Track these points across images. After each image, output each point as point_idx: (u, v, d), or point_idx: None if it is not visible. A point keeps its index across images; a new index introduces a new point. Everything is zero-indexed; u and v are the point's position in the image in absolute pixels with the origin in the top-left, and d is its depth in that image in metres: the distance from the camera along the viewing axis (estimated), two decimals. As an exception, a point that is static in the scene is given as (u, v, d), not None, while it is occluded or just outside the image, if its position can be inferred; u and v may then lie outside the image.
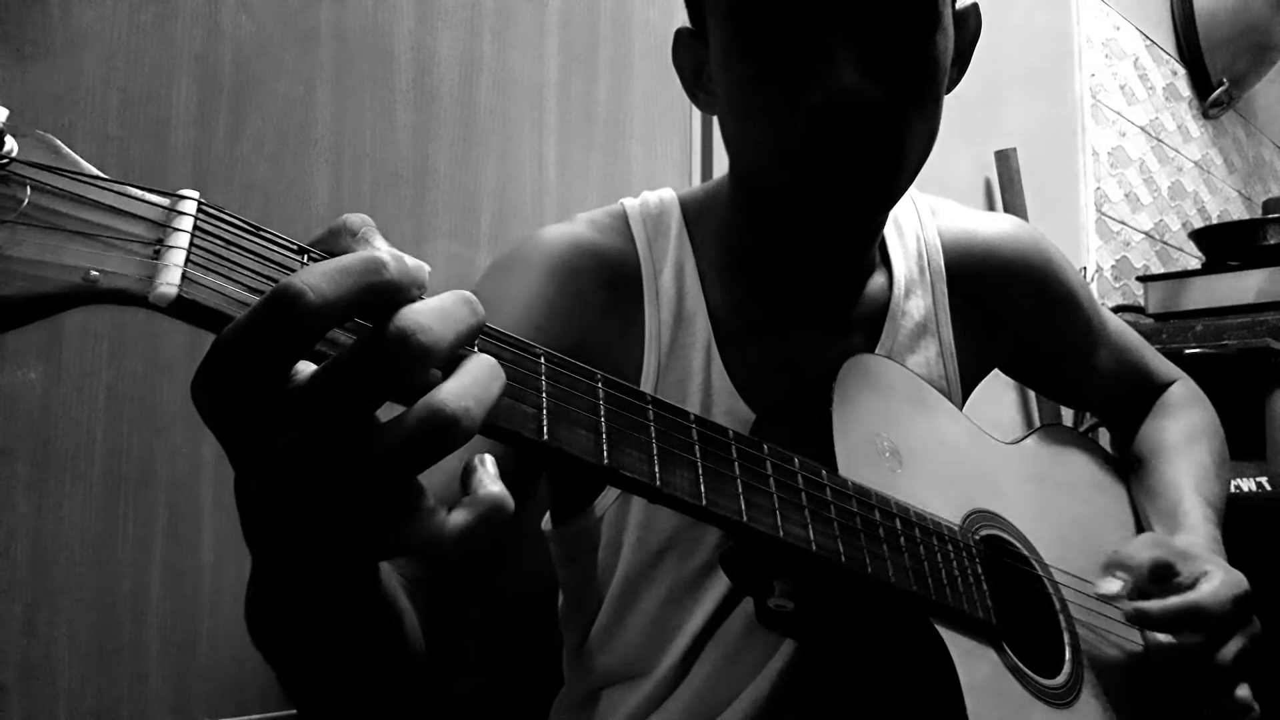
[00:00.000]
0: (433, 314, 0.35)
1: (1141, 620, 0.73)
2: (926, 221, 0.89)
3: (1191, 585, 0.74)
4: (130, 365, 0.88)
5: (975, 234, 0.90)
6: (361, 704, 0.52)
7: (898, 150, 0.68)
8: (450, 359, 0.36)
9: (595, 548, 0.78)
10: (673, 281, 0.78)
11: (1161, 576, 0.75)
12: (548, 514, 0.85)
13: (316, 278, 0.33)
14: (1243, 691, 0.76)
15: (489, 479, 0.39)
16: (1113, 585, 0.75)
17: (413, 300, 0.35)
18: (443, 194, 1.12)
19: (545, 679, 0.89)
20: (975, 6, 0.76)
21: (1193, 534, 0.83)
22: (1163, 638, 0.75)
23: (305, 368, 0.36)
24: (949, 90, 0.73)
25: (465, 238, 1.14)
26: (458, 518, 0.38)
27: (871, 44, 0.65)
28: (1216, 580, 0.74)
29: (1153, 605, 0.72)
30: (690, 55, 0.77)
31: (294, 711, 0.95)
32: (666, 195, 0.84)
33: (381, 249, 0.36)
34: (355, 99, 1.05)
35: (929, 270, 0.86)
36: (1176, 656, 0.73)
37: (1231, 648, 0.73)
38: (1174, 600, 0.72)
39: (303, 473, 0.35)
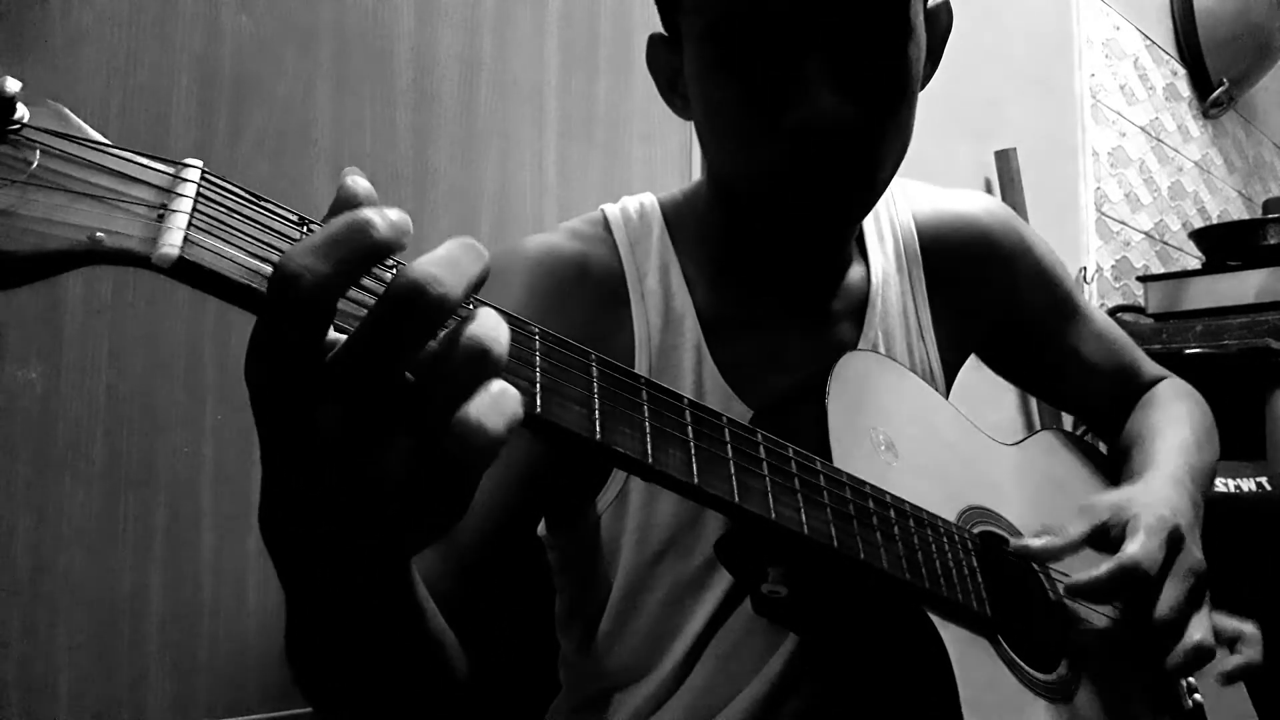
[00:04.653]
0: (442, 264, 0.36)
1: (1079, 594, 0.69)
2: (900, 205, 0.89)
3: (1120, 540, 0.70)
4: (130, 365, 0.88)
5: (946, 212, 0.90)
6: None
7: (873, 165, 0.69)
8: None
9: (593, 551, 0.78)
10: (659, 284, 0.78)
11: (1097, 540, 0.72)
12: (542, 520, 0.85)
13: (308, 257, 0.34)
14: (1197, 634, 0.71)
15: None
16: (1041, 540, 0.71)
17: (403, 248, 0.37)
18: (443, 194, 1.12)
19: (540, 685, 0.89)
20: (946, 3, 0.76)
21: (1137, 485, 0.79)
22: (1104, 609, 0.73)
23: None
24: (922, 87, 0.73)
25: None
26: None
27: (845, 63, 0.65)
28: (1140, 531, 0.70)
29: (1082, 580, 0.68)
30: (664, 61, 0.77)
31: (293, 712, 0.95)
32: (646, 200, 0.84)
33: (366, 210, 0.36)
34: (355, 99, 1.05)
35: (904, 256, 0.87)
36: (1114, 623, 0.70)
37: (1169, 595, 0.70)
38: (1102, 570, 0.68)
39: (360, 434, 0.36)
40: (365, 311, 0.37)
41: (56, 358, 0.84)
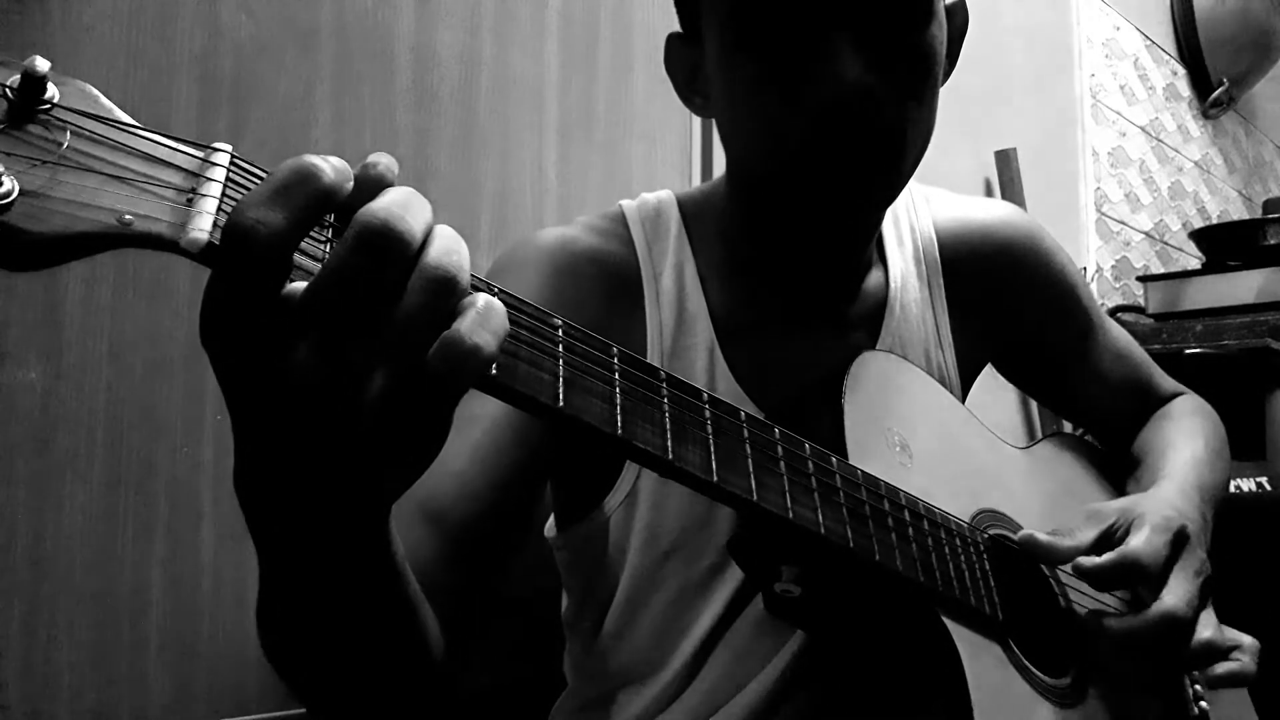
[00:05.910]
0: (399, 205, 0.37)
1: (1081, 576, 0.69)
2: (921, 211, 0.88)
3: (1124, 538, 0.71)
4: (130, 365, 0.88)
5: (970, 221, 0.90)
6: (379, 705, 0.52)
7: (900, 143, 0.69)
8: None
9: (601, 551, 0.78)
10: (673, 283, 0.78)
11: (1104, 545, 0.72)
12: (551, 519, 0.85)
13: (259, 209, 0.35)
14: (1206, 631, 0.71)
15: None
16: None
17: (367, 195, 0.37)
18: (443, 194, 1.12)
19: (545, 682, 0.89)
20: (962, 2, 0.76)
21: (1145, 492, 0.80)
22: (1110, 600, 0.73)
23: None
24: (942, 82, 0.73)
25: (465, 238, 1.13)
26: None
27: (871, 38, 0.65)
28: (1145, 527, 0.70)
29: (1086, 563, 0.68)
30: (683, 60, 0.77)
31: (294, 712, 0.95)
32: (664, 196, 0.83)
33: (309, 157, 0.37)
34: (355, 99, 1.05)
35: (924, 263, 0.86)
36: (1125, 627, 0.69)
37: (1175, 588, 0.69)
38: (1105, 557, 0.68)
39: (337, 369, 0.36)
40: (318, 257, 0.38)
41: (56, 358, 0.84)
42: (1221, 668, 0.76)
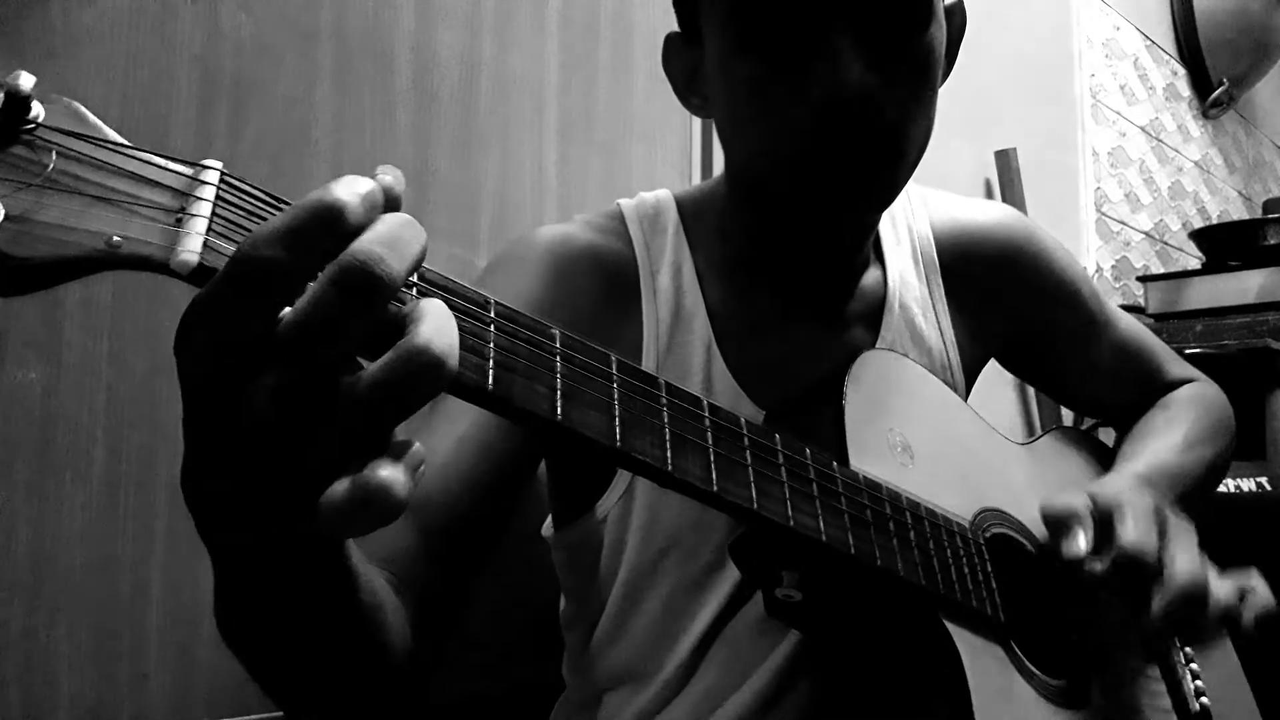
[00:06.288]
0: (385, 243, 0.34)
1: (1092, 582, 0.67)
2: (918, 212, 0.89)
3: (1107, 524, 0.69)
4: (130, 365, 0.88)
5: (966, 222, 0.90)
6: (343, 701, 0.52)
7: (900, 143, 0.69)
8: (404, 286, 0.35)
9: (598, 550, 0.78)
10: (670, 281, 0.78)
11: (1056, 527, 0.71)
12: (549, 518, 0.85)
13: (274, 246, 0.32)
14: (1223, 597, 0.71)
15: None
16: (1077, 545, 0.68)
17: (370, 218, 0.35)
18: (443, 194, 1.12)
19: (545, 684, 0.89)
20: (960, 3, 0.77)
21: (1101, 481, 0.78)
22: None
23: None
24: (941, 83, 0.73)
25: (465, 238, 1.14)
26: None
27: (872, 39, 0.66)
28: (1128, 515, 0.69)
29: (1098, 565, 0.67)
30: (682, 60, 0.77)
31: (294, 711, 0.95)
32: (663, 195, 0.84)
33: (338, 191, 0.34)
34: (355, 99, 1.05)
35: (922, 262, 0.87)
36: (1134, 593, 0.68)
37: (1180, 560, 0.68)
38: (1112, 557, 0.67)
39: (293, 411, 0.34)
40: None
41: (56, 358, 0.84)
42: (1248, 616, 0.75)
